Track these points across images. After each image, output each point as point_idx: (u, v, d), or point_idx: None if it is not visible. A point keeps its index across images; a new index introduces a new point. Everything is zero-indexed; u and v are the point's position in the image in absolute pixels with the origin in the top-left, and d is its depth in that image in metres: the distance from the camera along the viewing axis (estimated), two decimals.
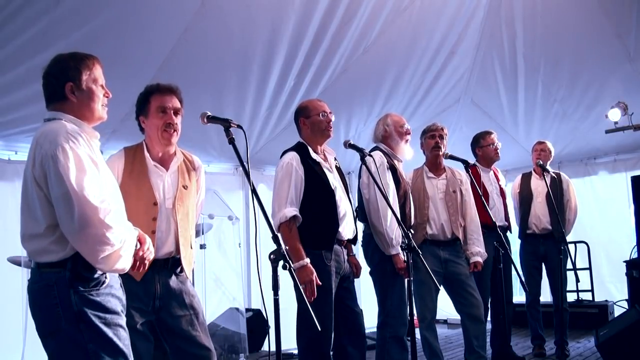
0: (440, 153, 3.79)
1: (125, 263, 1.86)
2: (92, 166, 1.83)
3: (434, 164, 3.87)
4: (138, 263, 1.97)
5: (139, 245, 1.95)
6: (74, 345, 1.81)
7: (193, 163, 2.61)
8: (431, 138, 3.82)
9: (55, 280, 1.81)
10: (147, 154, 2.47)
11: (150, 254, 2.00)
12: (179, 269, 2.46)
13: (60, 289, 1.81)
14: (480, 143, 4.48)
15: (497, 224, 4.08)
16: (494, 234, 4.05)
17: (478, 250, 3.80)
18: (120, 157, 2.46)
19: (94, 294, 1.84)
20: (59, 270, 1.81)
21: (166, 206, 2.43)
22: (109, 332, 1.84)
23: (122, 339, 1.88)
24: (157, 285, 2.39)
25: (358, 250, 3.52)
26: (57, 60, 1.98)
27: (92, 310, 1.82)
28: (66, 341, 1.81)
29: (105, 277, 1.89)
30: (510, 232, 4.69)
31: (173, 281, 2.44)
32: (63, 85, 1.92)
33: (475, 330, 3.65)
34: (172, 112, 2.45)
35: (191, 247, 2.51)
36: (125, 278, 2.30)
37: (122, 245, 1.81)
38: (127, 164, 2.45)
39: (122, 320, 1.91)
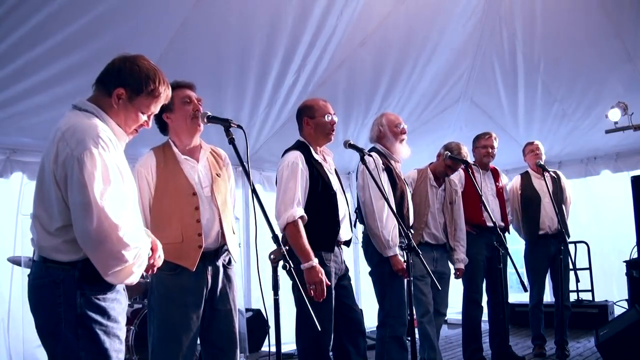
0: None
1: (135, 277, 1.77)
2: (118, 176, 1.72)
3: (441, 174, 4.01)
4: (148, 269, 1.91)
5: (151, 253, 1.88)
6: (68, 350, 1.73)
7: (219, 153, 2.67)
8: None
9: (62, 278, 1.71)
10: (175, 149, 2.52)
11: (159, 261, 1.94)
12: (227, 260, 2.51)
13: (66, 287, 1.71)
14: (475, 144, 4.50)
15: (490, 225, 4.15)
16: (485, 234, 4.17)
17: (463, 257, 4.04)
18: (150, 157, 2.51)
19: (100, 298, 1.75)
20: (69, 268, 1.72)
21: (205, 195, 2.47)
22: (106, 341, 1.74)
23: (117, 351, 1.78)
24: (207, 276, 2.44)
25: (358, 251, 3.51)
26: (146, 63, 1.86)
27: (94, 315, 1.73)
28: (63, 344, 1.73)
29: None
30: (509, 232, 4.65)
31: (222, 274, 2.49)
32: (115, 87, 1.81)
33: (438, 324, 3.91)
34: (196, 100, 2.52)
35: (233, 232, 2.55)
36: (179, 272, 2.36)
37: (135, 261, 1.72)
38: (159, 161, 2.49)
39: (121, 330, 1.82)
